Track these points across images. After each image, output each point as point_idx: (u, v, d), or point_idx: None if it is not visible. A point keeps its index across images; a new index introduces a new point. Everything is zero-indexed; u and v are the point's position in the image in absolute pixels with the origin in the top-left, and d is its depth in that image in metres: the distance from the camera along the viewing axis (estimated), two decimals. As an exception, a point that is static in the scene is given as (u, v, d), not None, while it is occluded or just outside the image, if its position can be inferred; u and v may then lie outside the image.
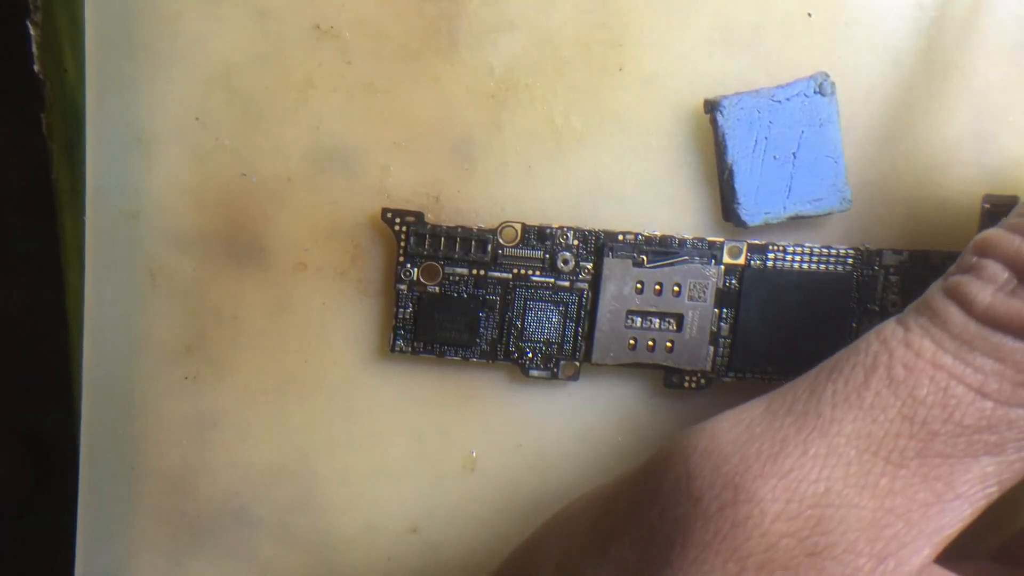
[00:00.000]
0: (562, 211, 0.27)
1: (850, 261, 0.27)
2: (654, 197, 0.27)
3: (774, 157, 0.26)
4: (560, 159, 0.27)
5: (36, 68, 0.26)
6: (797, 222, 0.27)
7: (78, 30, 0.26)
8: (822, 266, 0.27)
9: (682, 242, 0.26)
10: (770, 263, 0.27)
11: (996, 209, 0.27)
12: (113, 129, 0.26)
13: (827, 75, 0.26)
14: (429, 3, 0.26)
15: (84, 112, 0.26)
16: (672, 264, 0.26)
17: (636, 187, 0.27)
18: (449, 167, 0.27)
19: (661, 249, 0.26)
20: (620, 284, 0.26)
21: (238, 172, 0.26)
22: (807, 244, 0.27)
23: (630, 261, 0.26)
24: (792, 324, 0.27)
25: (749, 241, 0.27)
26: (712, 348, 0.27)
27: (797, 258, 0.27)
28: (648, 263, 0.26)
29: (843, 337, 0.27)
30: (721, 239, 0.26)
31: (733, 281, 0.27)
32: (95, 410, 0.27)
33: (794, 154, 0.26)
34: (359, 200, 0.27)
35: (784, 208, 0.26)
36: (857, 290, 0.27)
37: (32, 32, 0.26)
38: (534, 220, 0.26)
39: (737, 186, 0.26)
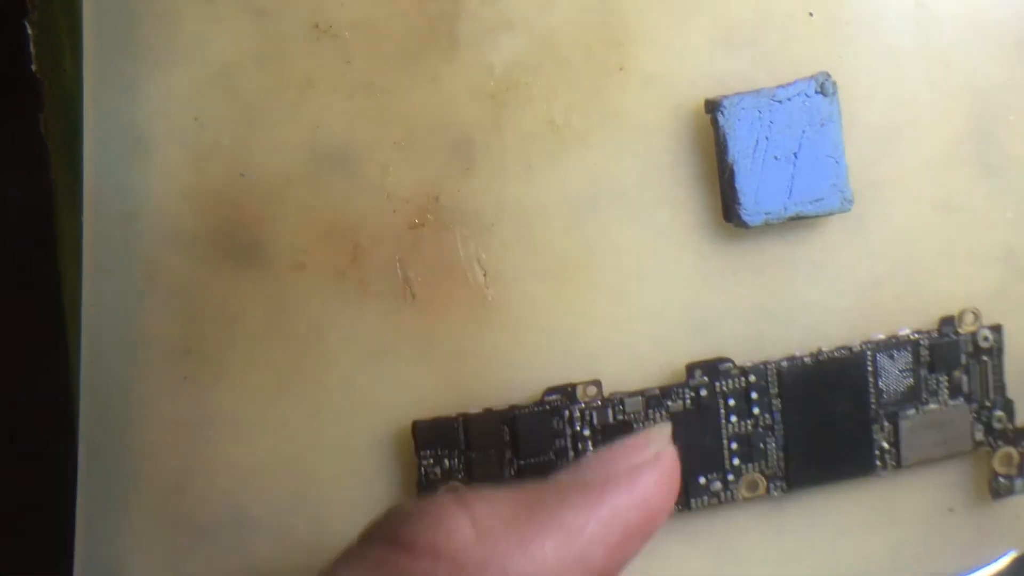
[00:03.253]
0: (562, 211, 0.27)
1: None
2: (654, 197, 0.27)
3: (775, 157, 0.26)
4: (560, 159, 0.27)
5: (33, 68, 0.26)
6: (798, 222, 0.27)
7: (76, 29, 0.26)
8: None
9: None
10: None
11: None
12: (111, 129, 0.26)
13: (828, 75, 0.26)
14: (429, 3, 0.26)
15: (82, 112, 0.26)
16: None
17: (636, 187, 0.27)
18: (449, 167, 0.27)
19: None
20: None
21: (237, 172, 0.26)
22: None
23: None
24: None
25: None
26: None
27: None
28: None
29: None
30: None
31: None
32: (93, 411, 0.27)
33: (795, 154, 0.26)
34: (359, 200, 0.27)
35: (785, 208, 0.26)
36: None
37: (29, 31, 0.26)
38: (534, 220, 0.26)
39: (738, 186, 0.26)
